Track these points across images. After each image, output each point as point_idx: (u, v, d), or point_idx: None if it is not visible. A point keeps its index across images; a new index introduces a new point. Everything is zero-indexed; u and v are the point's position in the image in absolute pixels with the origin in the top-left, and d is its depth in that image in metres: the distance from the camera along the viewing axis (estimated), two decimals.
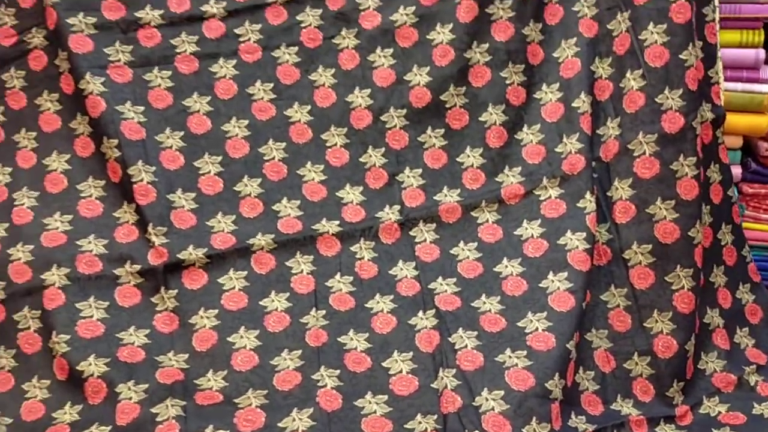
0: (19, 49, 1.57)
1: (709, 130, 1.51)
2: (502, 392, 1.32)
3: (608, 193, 1.51)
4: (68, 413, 1.35)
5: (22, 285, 1.45)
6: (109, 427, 1.31)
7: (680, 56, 1.44)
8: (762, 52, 1.61)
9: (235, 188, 1.57)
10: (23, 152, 1.57)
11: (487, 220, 1.55)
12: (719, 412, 1.43)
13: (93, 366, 1.37)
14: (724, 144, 1.57)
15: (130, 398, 1.34)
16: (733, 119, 1.59)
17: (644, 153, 1.47)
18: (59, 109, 1.57)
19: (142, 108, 1.55)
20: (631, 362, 1.46)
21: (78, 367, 1.37)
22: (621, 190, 1.49)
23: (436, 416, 1.32)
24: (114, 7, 1.56)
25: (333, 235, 1.54)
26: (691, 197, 1.44)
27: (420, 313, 1.45)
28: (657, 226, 1.46)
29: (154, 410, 1.33)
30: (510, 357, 1.37)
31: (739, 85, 1.62)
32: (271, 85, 1.59)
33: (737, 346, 1.53)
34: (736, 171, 1.64)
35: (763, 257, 1.68)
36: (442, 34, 1.55)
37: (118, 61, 1.55)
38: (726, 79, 1.59)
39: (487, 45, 1.56)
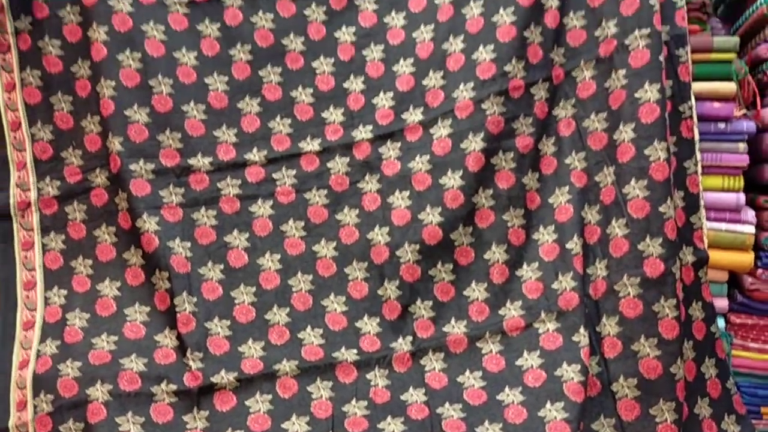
0: (83, 186, 1.70)
1: (691, 272, 1.59)
2: None
3: (597, 329, 1.58)
4: None
5: (69, 399, 1.54)
6: None
7: (659, 209, 1.53)
8: (742, 196, 1.68)
9: (265, 317, 1.65)
10: (79, 277, 1.69)
11: (491, 351, 1.61)
12: None
13: None
14: (707, 283, 1.63)
15: None
16: (718, 256, 1.66)
17: (629, 294, 1.55)
18: (115, 242, 1.69)
19: (189, 244, 1.66)
20: None
21: None
22: (609, 326, 1.57)
23: None
24: (170, 155, 1.68)
25: (351, 363, 1.61)
26: (672, 336, 1.51)
27: None
28: (641, 362, 1.53)
29: None
30: None
31: (723, 225, 1.69)
32: (302, 223, 1.70)
33: None
34: (724, 303, 1.70)
35: (752, 384, 1.72)
36: (452, 180, 1.64)
37: (171, 202, 1.67)
38: (711, 220, 1.67)
39: (491, 191, 1.66)
